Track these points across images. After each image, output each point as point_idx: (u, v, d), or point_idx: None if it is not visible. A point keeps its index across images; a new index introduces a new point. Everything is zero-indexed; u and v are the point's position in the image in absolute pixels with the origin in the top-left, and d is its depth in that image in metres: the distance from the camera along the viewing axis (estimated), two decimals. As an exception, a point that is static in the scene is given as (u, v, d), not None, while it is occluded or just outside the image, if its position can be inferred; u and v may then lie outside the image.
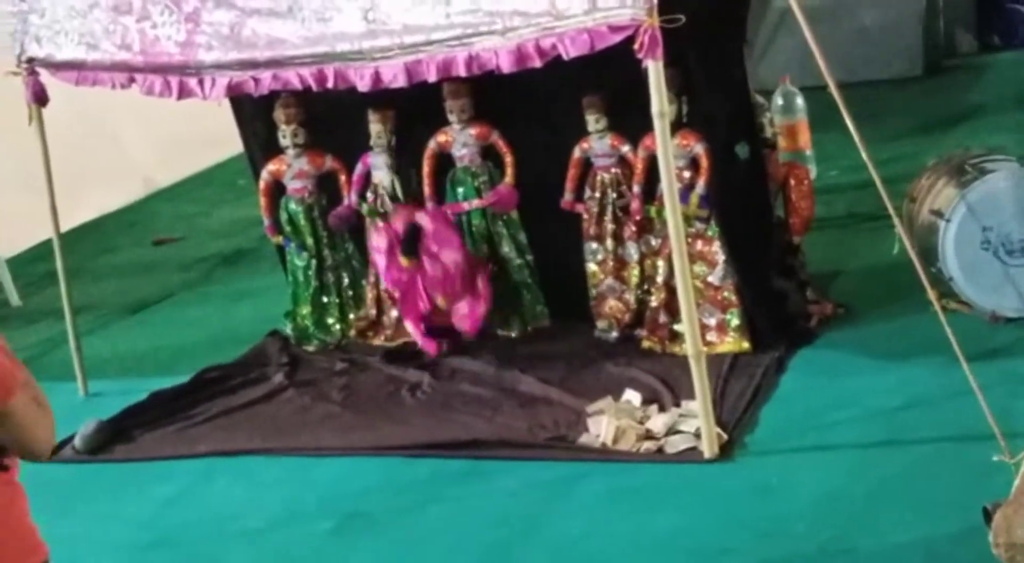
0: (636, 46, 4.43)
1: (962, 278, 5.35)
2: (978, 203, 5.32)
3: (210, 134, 8.61)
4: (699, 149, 5.34)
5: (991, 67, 9.60)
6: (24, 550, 2.86)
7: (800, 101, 6.05)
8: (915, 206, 5.65)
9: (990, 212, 5.31)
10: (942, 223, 5.37)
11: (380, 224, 5.95)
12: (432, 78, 4.96)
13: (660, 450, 4.80)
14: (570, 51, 4.59)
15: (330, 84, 5.14)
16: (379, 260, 5.98)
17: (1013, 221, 5.30)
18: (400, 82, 4.99)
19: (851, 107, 4.29)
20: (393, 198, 5.96)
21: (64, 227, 6.17)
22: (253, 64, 5.26)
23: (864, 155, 4.23)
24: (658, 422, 4.92)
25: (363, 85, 5.07)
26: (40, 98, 5.76)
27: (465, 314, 5.92)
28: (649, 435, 4.87)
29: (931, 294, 4.44)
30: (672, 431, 4.87)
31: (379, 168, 5.99)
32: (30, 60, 5.71)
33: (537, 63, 4.68)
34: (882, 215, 6.37)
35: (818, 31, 4.45)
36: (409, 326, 5.99)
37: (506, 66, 4.73)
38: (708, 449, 4.68)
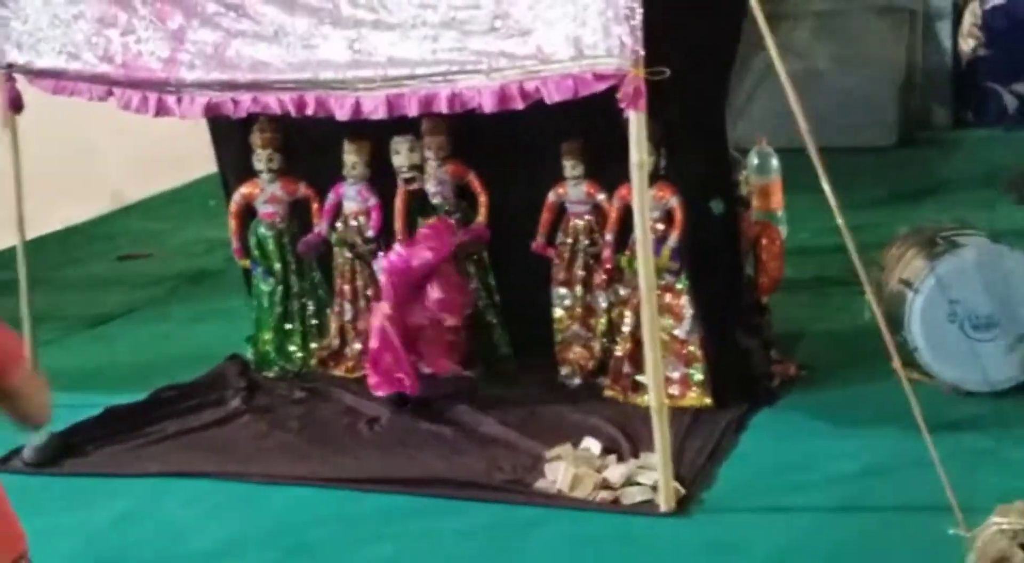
0: (620, 96, 4.44)
1: (926, 349, 5.36)
2: (947, 276, 5.35)
3: (183, 153, 8.60)
4: (674, 202, 5.34)
5: (963, 143, 9.72)
6: (12, 537, 2.89)
7: (775, 161, 6.09)
8: (884, 274, 5.67)
9: (958, 285, 5.34)
10: (910, 293, 5.40)
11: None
12: (413, 112, 4.95)
13: (616, 500, 4.76)
14: (553, 95, 4.59)
15: (310, 111, 5.12)
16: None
17: (980, 296, 5.33)
18: (380, 114, 4.97)
19: (826, 172, 4.31)
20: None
21: (29, 236, 6.08)
22: (234, 86, 5.24)
23: (840, 221, 4.24)
24: (616, 472, 4.88)
25: (343, 114, 5.05)
26: (16, 105, 5.70)
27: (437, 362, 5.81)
28: (606, 484, 4.83)
29: (896, 363, 4.46)
30: (629, 482, 4.83)
31: (351, 199, 5.97)
32: (9, 66, 5.65)
33: (520, 105, 4.68)
34: (850, 281, 6.40)
35: (779, 94, 4.46)
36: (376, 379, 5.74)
37: (488, 106, 4.72)
38: (665, 503, 4.64)
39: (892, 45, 9.97)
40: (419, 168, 5.83)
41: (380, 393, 5.66)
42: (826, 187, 4.24)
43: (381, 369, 5.62)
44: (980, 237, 5.63)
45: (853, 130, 9.35)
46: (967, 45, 10.13)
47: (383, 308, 5.63)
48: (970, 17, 10.15)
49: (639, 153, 4.49)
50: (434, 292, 5.71)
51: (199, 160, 8.17)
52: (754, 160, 6.52)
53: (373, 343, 5.62)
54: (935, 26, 10.06)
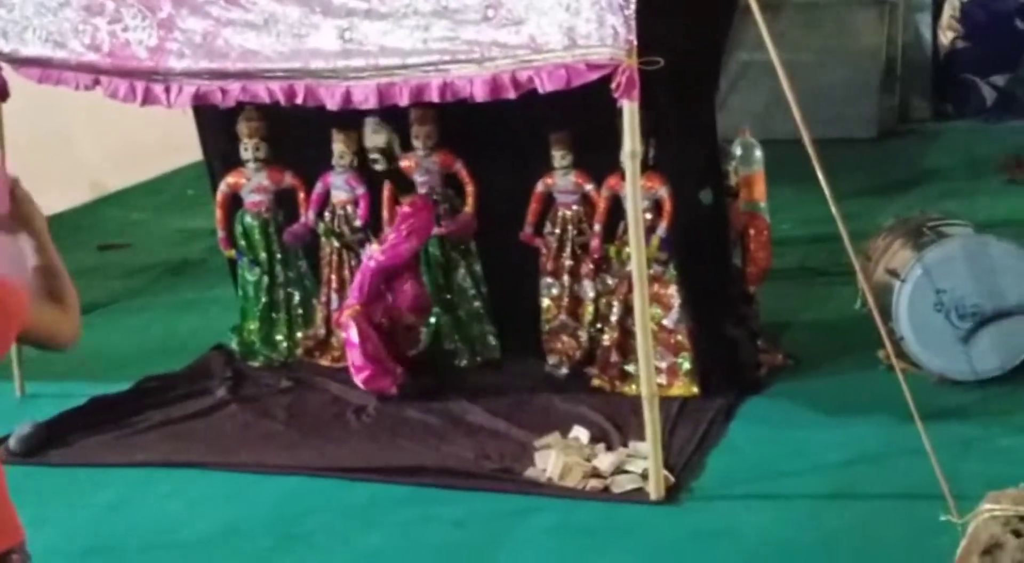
0: (613, 86, 4.44)
1: (913, 338, 5.40)
2: (934, 266, 5.38)
3: (162, 143, 8.56)
4: (663, 192, 5.37)
5: (943, 134, 9.77)
6: (10, 528, 2.85)
7: (759, 153, 6.09)
8: (871, 265, 5.70)
9: (945, 275, 5.38)
10: (897, 283, 5.43)
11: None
12: (404, 102, 4.94)
13: (606, 489, 4.78)
14: (546, 85, 4.58)
15: (300, 100, 5.09)
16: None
17: (966, 286, 5.37)
18: (371, 104, 4.96)
19: (806, 163, 4.32)
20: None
21: (8, 226, 6.06)
22: (223, 74, 5.20)
23: (834, 210, 4.26)
24: (605, 461, 4.90)
25: (333, 103, 5.03)
26: (1, 93, 5.67)
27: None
28: (596, 473, 4.86)
29: (889, 351, 4.50)
30: (619, 471, 4.85)
31: (338, 188, 5.97)
32: (-7, 52, 5.62)
33: (512, 94, 4.67)
34: (833, 270, 6.46)
35: (777, 88, 4.47)
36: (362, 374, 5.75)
37: (480, 95, 4.71)
38: (655, 491, 4.67)
39: (872, 37, 10.02)
40: (385, 151, 5.75)
41: (369, 388, 5.67)
42: (820, 176, 4.26)
43: (366, 364, 5.64)
44: (966, 228, 5.67)
45: (834, 122, 9.37)
46: (946, 37, 10.19)
47: (354, 306, 5.65)
48: (949, 9, 10.22)
49: (632, 143, 4.48)
50: (406, 291, 5.76)
51: (179, 150, 8.15)
52: (738, 151, 6.53)
53: (353, 340, 5.62)
54: (915, 18, 10.11)
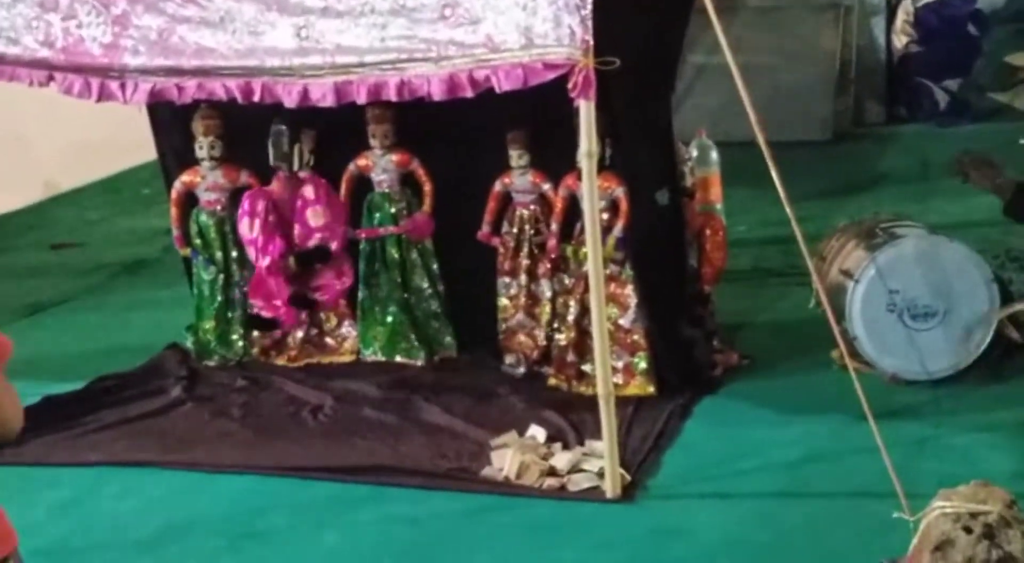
0: (570, 85, 4.44)
1: (866, 338, 5.44)
2: (887, 266, 5.42)
3: (116, 141, 8.49)
4: (619, 192, 5.38)
5: (897, 137, 9.86)
6: (4, 536, 2.80)
7: (715, 154, 6.12)
8: (825, 265, 5.74)
9: (897, 276, 5.42)
10: (851, 283, 5.46)
11: (258, 192, 5.93)
12: (362, 100, 4.93)
13: (563, 487, 4.78)
14: (503, 84, 4.58)
15: (256, 97, 5.07)
16: (249, 227, 5.90)
17: (919, 286, 5.41)
18: (328, 102, 4.94)
19: (760, 165, 4.34)
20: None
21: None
22: (179, 71, 5.17)
23: (788, 211, 4.28)
24: (562, 459, 4.91)
25: (290, 101, 5.01)
26: (-47, 89, 5.63)
27: (327, 285, 5.92)
28: (552, 472, 4.86)
29: (843, 351, 4.53)
30: (575, 469, 4.86)
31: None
32: (-58, 49, 5.56)
33: (469, 93, 4.67)
34: (788, 271, 6.50)
35: (733, 90, 4.49)
36: (259, 304, 5.96)
37: (437, 94, 4.71)
38: (611, 489, 4.68)
39: (827, 40, 10.09)
40: (286, 157, 5.84)
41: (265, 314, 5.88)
42: (775, 177, 4.28)
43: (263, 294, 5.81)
44: (919, 228, 5.72)
45: (788, 125, 9.39)
46: (900, 41, 10.28)
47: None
48: (903, 14, 10.31)
49: (588, 143, 4.49)
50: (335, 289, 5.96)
51: (133, 149, 8.09)
52: (694, 152, 6.56)
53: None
54: (869, 22, 10.20)
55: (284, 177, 5.86)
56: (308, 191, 5.83)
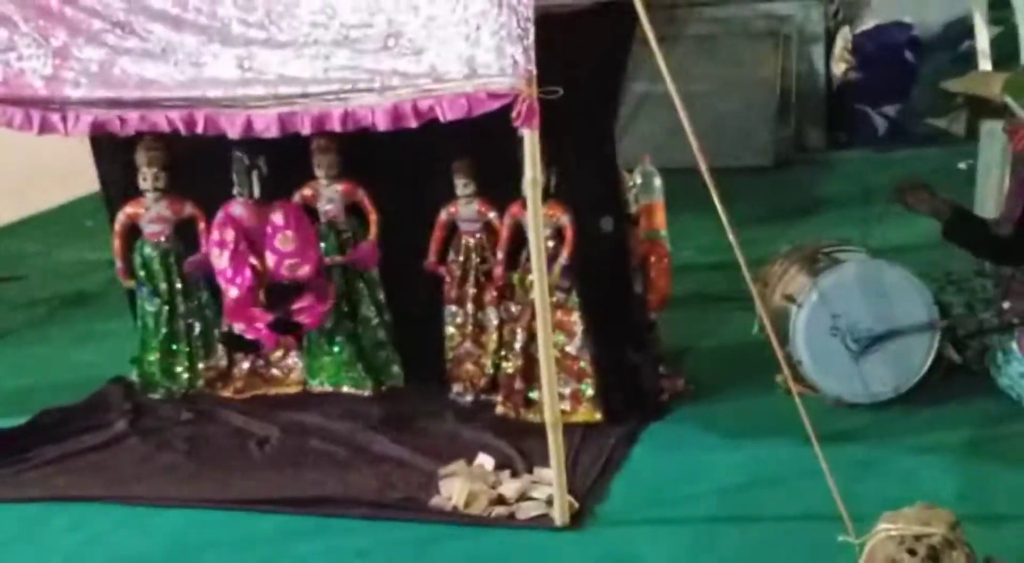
0: (514, 115, 4.45)
1: (810, 362, 5.48)
2: (829, 291, 5.47)
3: (57, 173, 8.42)
4: (564, 220, 5.40)
5: (838, 163, 9.95)
6: None
7: (658, 182, 6.17)
8: (768, 290, 5.78)
9: (840, 300, 5.46)
10: (794, 308, 5.51)
11: (227, 219, 5.85)
12: (306, 131, 4.89)
13: (512, 516, 4.78)
14: (447, 114, 4.57)
15: (200, 129, 5.02)
16: (220, 258, 5.82)
17: (861, 310, 5.46)
18: (272, 132, 4.90)
19: (703, 192, 4.35)
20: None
21: None
22: (121, 103, 5.12)
23: (731, 237, 4.31)
24: (510, 488, 4.91)
25: (234, 132, 4.97)
26: None
27: (308, 307, 5.84)
28: (501, 500, 4.86)
29: (787, 375, 4.56)
30: (524, 497, 4.86)
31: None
32: None
33: (413, 124, 4.65)
34: (732, 297, 6.52)
35: (675, 118, 4.50)
36: (241, 327, 5.87)
37: (382, 125, 4.69)
38: (559, 517, 4.68)
39: (767, 68, 10.19)
40: (246, 183, 5.80)
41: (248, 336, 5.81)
42: (718, 204, 4.31)
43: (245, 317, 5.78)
44: (860, 253, 5.77)
45: (730, 152, 9.46)
46: (839, 69, 10.40)
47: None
48: (841, 41, 10.44)
49: (533, 171, 4.49)
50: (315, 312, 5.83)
51: (75, 180, 8.02)
52: (638, 180, 6.60)
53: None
54: (808, 50, 10.31)
55: (251, 204, 5.80)
56: (277, 217, 5.78)
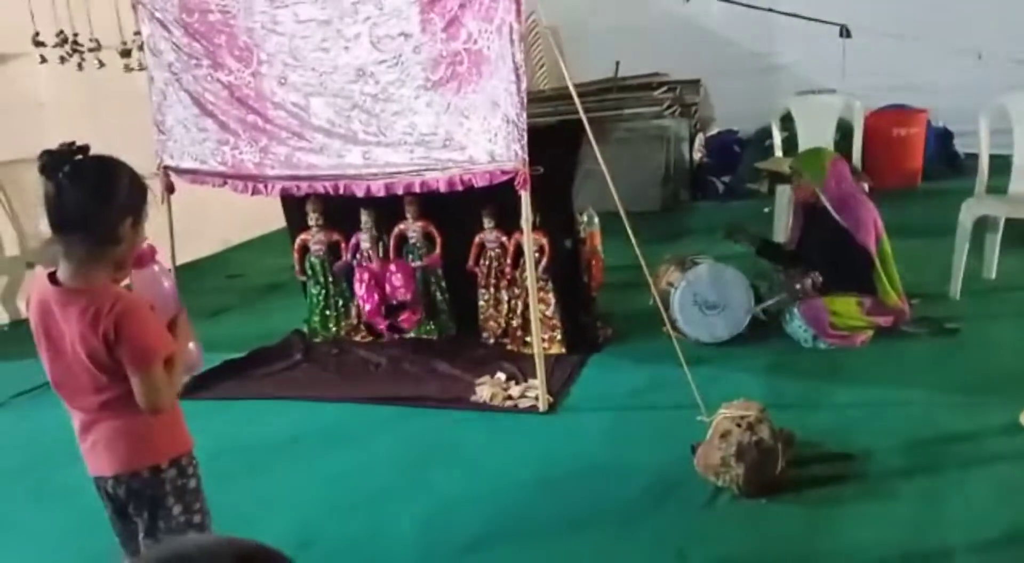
0: (516, 183, 4.47)
1: (682, 320, 5.45)
2: (692, 279, 5.45)
3: (262, 216, 8.36)
4: (544, 241, 5.37)
5: (697, 210, 9.87)
6: (185, 438, 2.59)
7: (596, 219, 6.12)
8: (658, 280, 5.75)
9: (697, 285, 5.44)
10: (673, 290, 5.49)
11: (364, 268, 5.80)
12: (401, 192, 4.92)
13: (516, 406, 4.79)
14: (479, 183, 4.60)
15: (341, 192, 5.06)
16: (360, 288, 5.80)
17: (708, 290, 5.44)
18: (382, 193, 4.94)
19: (621, 225, 4.39)
20: (369, 258, 5.86)
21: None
22: (297, 178, 5.16)
23: (637, 250, 4.31)
24: (515, 390, 4.91)
25: (361, 193, 5.00)
26: (170, 188, 5.55)
27: (407, 317, 5.81)
28: (510, 397, 4.86)
29: (668, 327, 4.54)
30: (523, 396, 4.86)
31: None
32: (165, 167, 5.51)
33: (460, 188, 4.68)
34: (638, 283, 6.47)
35: (604, 183, 4.48)
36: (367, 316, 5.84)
37: (443, 188, 4.71)
38: (543, 406, 4.69)
39: (658, 155, 10.13)
40: (375, 242, 5.73)
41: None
42: (629, 231, 4.31)
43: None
44: (710, 259, 5.74)
45: (636, 201, 9.23)
46: (697, 155, 10.34)
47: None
48: (699, 140, 10.38)
49: (527, 213, 4.51)
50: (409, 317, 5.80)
51: (273, 220, 7.94)
52: (585, 218, 6.58)
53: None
54: (680, 145, 10.24)
55: (378, 259, 5.74)
56: (392, 267, 5.75)
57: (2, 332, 6.72)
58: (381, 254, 5.84)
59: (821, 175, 5.35)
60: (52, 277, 2.28)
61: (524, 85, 4.37)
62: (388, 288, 5.77)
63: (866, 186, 5.61)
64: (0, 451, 4.72)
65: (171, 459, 2.47)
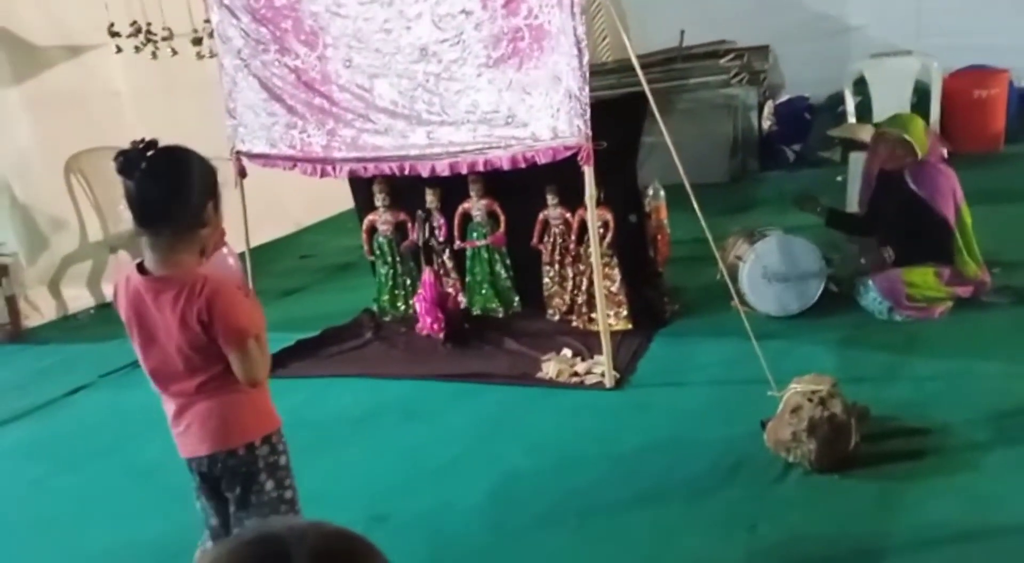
0: (579, 158, 4.44)
1: (751, 293, 5.36)
2: (760, 252, 5.34)
3: (332, 197, 8.51)
4: (609, 217, 5.34)
5: (766, 180, 9.65)
6: (274, 416, 2.58)
7: (662, 193, 6.03)
8: (726, 254, 5.66)
9: (766, 257, 5.33)
10: (741, 263, 5.40)
11: (419, 297, 5.79)
12: (465, 171, 4.95)
13: (582, 382, 4.79)
14: (541, 159, 4.59)
15: (407, 172, 5.11)
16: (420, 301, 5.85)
17: (777, 263, 5.32)
18: (446, 172, 4.97)
19: (686, 198, 4.31)
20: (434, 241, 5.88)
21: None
22: (364, 160, 5.23)
23: (703, 223, 4.24)
24: (581, 367, 4.91)
25: (425, 173, 5.05)
26: (242, 173, 5.70)
27: (452, 299, 5.80)
28: (576, 374, 4.87)
29: (736, 301, 4.48)
30: (589, 372, 4.86)
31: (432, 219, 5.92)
32: (238, 152, 5.65)
33: (523, 165, 4.68)
34: (705, 257, 6.40)
35: (669, 155, 4.40)
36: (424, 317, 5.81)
37: (506, 166, 4.72)
38: (609, 382, 4.68)
39: (726, 125, 9.91)
40: (426, 241, 5.71)
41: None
42: (695, 204, 4.24)
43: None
44: (778, 230, 5.62)
45: (703, 173, 9.05)
46: (766, 124, 10.07)
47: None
48: (768, 108, 10.10)
49: (591, 189, 4.49)
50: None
51: (342, 201, 8.09)
52: (650, 192, 6.50)
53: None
54: (749, 114, 9.99)
55: (434, 272, 5.76)
56: (447, 281, 5.84)
57: (88, 315, 7.03)
58: (427, 236, 5.76)
59: (924, 143, 5.13)
60: (140, 267, 2.33)
61: (586, 59, 4.32)
62: (450, 304, 5.73)
63: (945, 151, 5.37)
64: (91, 429, 4.96)
65: (263, 436, 2.51)
